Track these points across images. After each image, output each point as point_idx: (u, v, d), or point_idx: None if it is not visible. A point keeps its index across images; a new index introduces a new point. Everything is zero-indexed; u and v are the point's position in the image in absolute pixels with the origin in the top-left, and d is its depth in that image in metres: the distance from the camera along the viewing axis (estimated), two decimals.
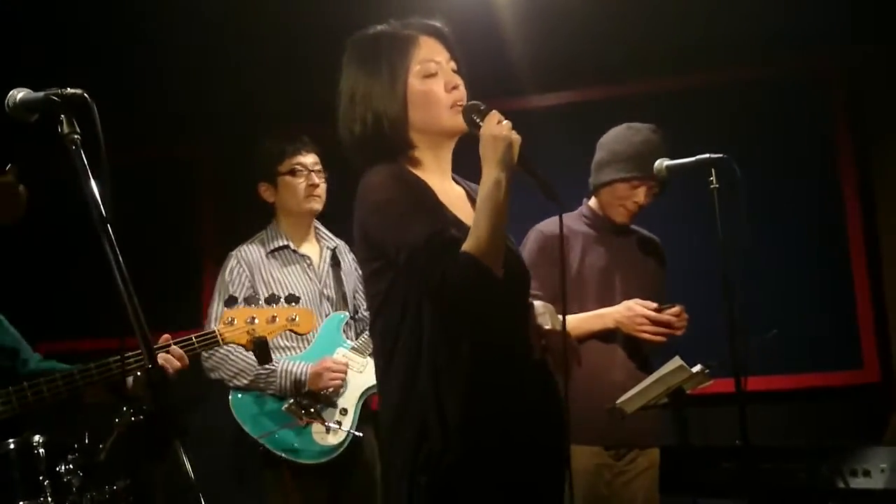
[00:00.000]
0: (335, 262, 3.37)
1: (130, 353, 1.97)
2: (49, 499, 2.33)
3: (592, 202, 3.18)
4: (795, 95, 4.19)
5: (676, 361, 2.74)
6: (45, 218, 4.26)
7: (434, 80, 2.04)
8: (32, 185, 2.28)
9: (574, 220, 3.14)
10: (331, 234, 3.43)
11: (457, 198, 2.08)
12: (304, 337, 3.18)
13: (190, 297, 4.47)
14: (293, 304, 2.64)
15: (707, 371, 2.81)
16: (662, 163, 3.00)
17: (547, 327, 2.09)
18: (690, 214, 3.71)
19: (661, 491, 3.09)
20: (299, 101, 4.41)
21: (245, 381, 3.12)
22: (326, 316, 3.27)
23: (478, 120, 1.95)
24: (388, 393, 1.99)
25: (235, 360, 3.12)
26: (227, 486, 4.12)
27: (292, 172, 3.28)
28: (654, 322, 2.94)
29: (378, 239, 1.96)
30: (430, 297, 1.91)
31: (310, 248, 3.36)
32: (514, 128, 1.92)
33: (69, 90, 1.72)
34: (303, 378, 3.09)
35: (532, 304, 2.12)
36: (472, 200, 2.05)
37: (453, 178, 2.15)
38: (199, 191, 4.70)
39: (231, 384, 3.15)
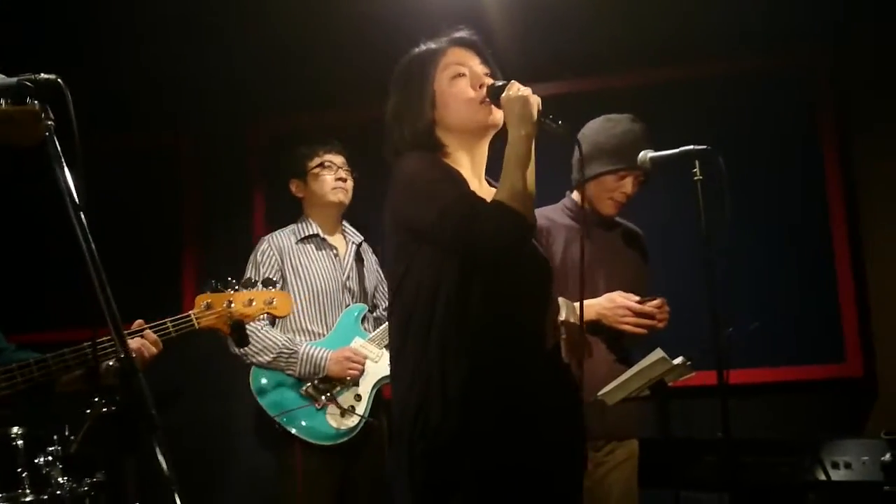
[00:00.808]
0: (359, 258, 3.55)
1: (104, 339, 1.94)
2: (27, 491, 2.31)
3: (576, 195, 3.16)
4: (779, 89, 4.18)
5: (658, 353, 2.74)
6: (13, 207, 4.24)
7: (461, 80, 2.15)
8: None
9: (557, 213, 3.13)
10: (356, 231, 3.61)
11: (486, 194, 2.10)
12: (325, 323, 3.38)
13: (170, 285, 4.45)
14: (270, 287, 2.65)
15: (689, 363, 2.80)
16: (647, 154, 2.98)
17: (561, 318, 2.16)
18: (674, 206, 3.71)
19: (643, 484, 3.08)
20: (286, 89, 4.39)
21: (267, 359, 3.27)
22: (347, 306, 3.44)
23: (500, 91, 2.07)
24: (401, 367, 2.07)
25: (260, 338, 3.27)
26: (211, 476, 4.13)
27: (321, 165, 3.49)
28: (636, 314, 2.94)
29: (407, 211, 2.05)
30: (461, 249, 1.97)
31: (337, 240, 3.55)
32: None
33: (42, 76, 1.70)
34: (323, 363, 3.26)
35: (552, 296, 2.18)
36: None
37: (487, 181, 2.23)
38: (181, 179, 4.65)
39: (253, 360, 3.29)
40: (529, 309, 2.09)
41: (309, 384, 3.27)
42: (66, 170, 1.63)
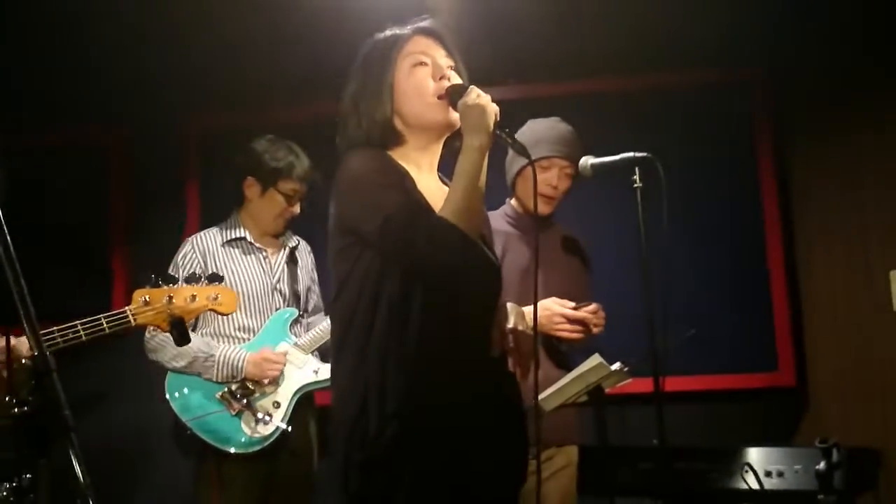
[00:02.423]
0: (292, 260, 3.40)
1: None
2: None
3: (513, 201, 3.15)
4: (718, 100, 4.23)
5: (596, 359, 2.73)
6: None
7: (420, 70, 2.07)
8: None
9: (496, 220, 3.11)
10: (292, 234, 3.46)
11: (438, 193, 2.05)
12: (250, 328, 3.23)
13: (99, 284, 4.32)
14: (215, 283, 2.55)
15: (626, 369, 2.80)
16: (588, 161, 3.02)
17: (509, 326, 2.09)
18: (614, 212, 3.72)
19: (579, 491, 3.07)
20: (223, 84, 4.29)
21: (182, 364, 3.14)
22: (276, 309, 3.29)
23: (459, 96, 2.00)
24: (338, 372, 2.01)
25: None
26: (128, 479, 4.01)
27: (286, 196, 3.31)
28: (570, 320, 2.93)
29: (350, 213, 1.98)
30: (403, 262, 1.92)
31: (267, 243, 3.38)
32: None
33: None
34: (240, 365, 3.13)
35: (503, 307, 2.12)
36: None
37: (440, 178, 2.16)
38: (112, 175, 4.53)
39: (169, 366, 3.16)
40: (475, 316, 2.03)
41: (225, 388, 3.13)
42: None
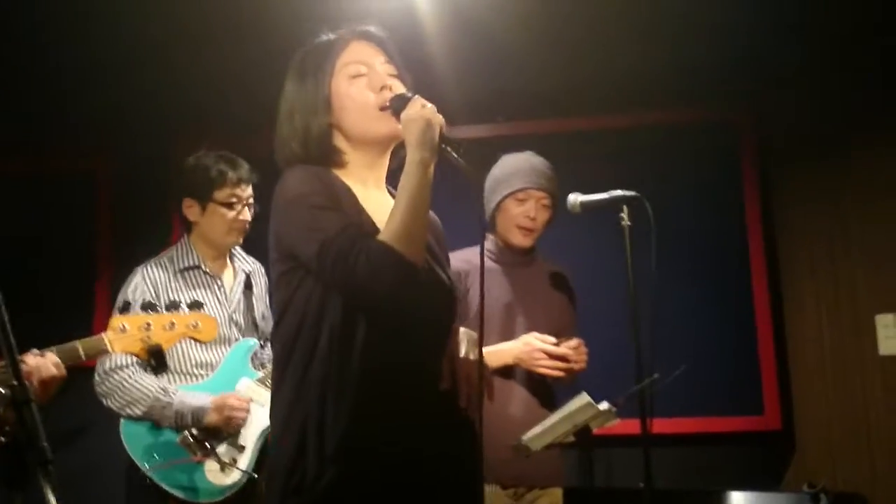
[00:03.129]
0: (248, 286, 3.20)
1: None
2: None
3: (494, 237, 3.15)
4: (705, 139, 4.25)
5: (584, 398, 2.70)
6: None
7: (360, 81, 1.95)
8: None
9: (476, 255, 3.09)
10: (246, 256, 3.26)
11: (383, 207, 1.91)
12: (208, 363, 3.02)
13: (83, 311, 4.25)
14: (195, 309, 2.48)
15: (614, 410, 2.77)
16: (577, 198, 3.02)
17: (461, 354, 1.96)
18: (601, 250, 3.72)
19: None
20: (209, 113, 4.27)
21: (139, 412, 2.90)
22: (235, 341, 3.09)
23: (402, 107, 1.87)
24: (276, 407, 1.87)
25: (129, 387, 2.91)
26: None
27: (227, 204, 3.08)
28: (551, 356, 2.90)
29: (289, 237, 1.85)
30: (340, 290, 1.79)
31: (222, 270, 3.18)
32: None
33: None
34: (200, 414, 2.88)
35: (452, 331, 1.97)
36: None
37: (389, 191, 2.02)
38: (96, 203, 4.49)
39: (123, 413, 2.92)
40: (424, 344, 1.87)
41: (186, 433, 2.88)
42: None
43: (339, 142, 1.96)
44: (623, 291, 2.87)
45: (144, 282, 3.02)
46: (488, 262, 3.09)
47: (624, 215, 2.90)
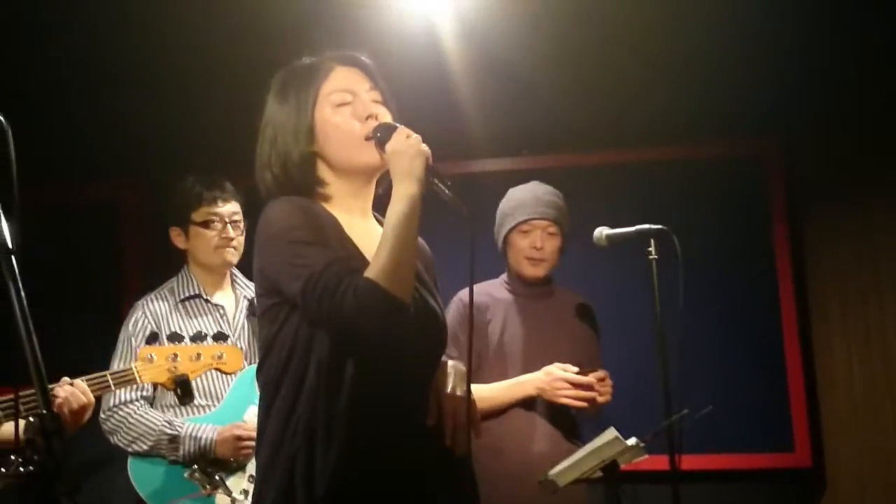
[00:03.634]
0: (251, 312, 3.09)
1: (26, 393, 1.83)
2: None
3: (508, 269, 3.14)
4: (733, 174, 4.24)
5: (612, 433, 2.67)
6: None
7: (346, 110, 1.87)
8: None
9: (496, 288, 3.10)
10: (248, 282, 3.17)
11: (373, 237, 1.84)
12: (214, 394, 2.96)
13: (107, 342, 4.26)
14: (221, 341, 2.50)
15: (642, 445, 2.73)
16: (602, 231, 3.02)
17: (446, 391, 1.86)
18: (628, 284, 3.70)
19: None
20: (228, 144, 4.30)
21: (146, 447, 2.86)
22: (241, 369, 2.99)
23: (386, 138, 1.81)
24: (262, 446, 1.80)
25: (135, 422, 2.88)
26: None
27: (205, 224, 3.04)
28: (574, 386, 2.86)
29: (274, 272, 1.78)
30: (328, 327, 1.72)
31: (224, 298, 3.12)
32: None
33: None
34: (209, 445, 2.83)
35: (444, 365, 1.91)
36: None
37: (376, 219, 1.96)
38: (122, 233, 4.54)
39: (130, 449, 2.89)
40: (413, 379, 1.81)
41: (196, 467, 2.84)
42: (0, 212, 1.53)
43: (322, 171, 1.90)
44: (650, 325, 2.85)
45: (145, 315, 2.99)
46: (506, 295, 3.08)
47: (651, 249, 2.89)
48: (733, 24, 3.68)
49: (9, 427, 2.27)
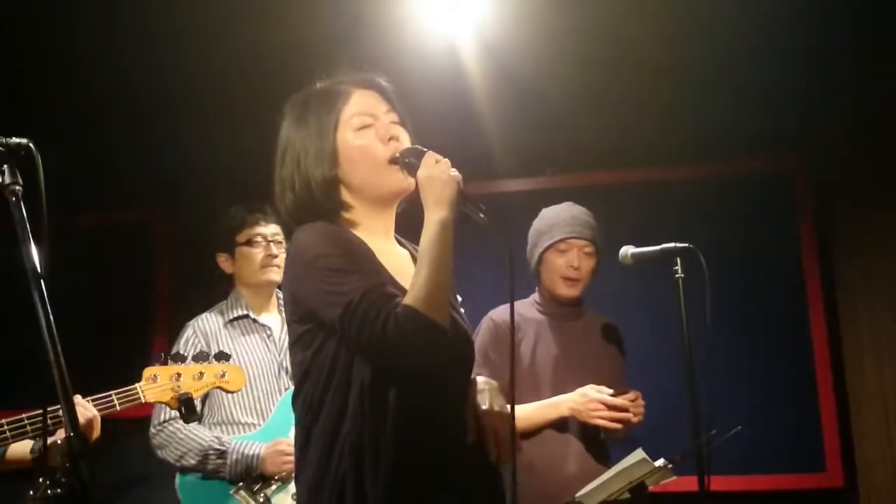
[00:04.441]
0: None
1: (51, 409, 1.84)
2: None
3: (541, 289, 3.13)
4: (760, 190, 4.21)
5: (639, 454, 2.64)
6: None
7: (369, 133, 1.89)
8: None
9: (527, 308, 3.09)
10: None
11: (399, 260, 1.91)
12: (260, 413, 3.05)
13: (135, 364, 4.30)
14: (223, 360, 2.53)
15: (670, 466, 2.70)
16: (628, 250, 3.01)
17: (484, 407, 1.89)
18: (654, 303, 3.68)
19: None
20: (259, 172, 4.34)
21: (193, 462, 2.93)
22: (286, 389, 3.08)
23: (415, 163, 1.82)
24: (305, 471, 1.80)
25: (184, 438, 2.96)
26: None
27: (249, 243, 3.19)
28: (609, 407, 2.84)
29: (308, 299, 1.79)
30: (368, 355, 1.74)
31: (270, 318, 3.22)
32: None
33: (14, 139, 1.64)
34: (255, 462, 2.90)
35: (474, 381, 1.94)
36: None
37: (397, 240, 1.99)
38: (153, 256, 4.58)
39: (178, 464, 2.97)
40: (451, 398, 1.83)
41: (241, 485, 2.90)
42: (29, 237, 1.55)
43: (345, 195, 1.90)
44: (675, 344, 2.83)
45: (196, 334, 3.10)
46: (537, 315, 3.07)
47: (678, 267, 2.87)
48: (758, 41, 3.67)
49: (20, 447, 2.30)
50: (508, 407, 1.91)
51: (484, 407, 1.89)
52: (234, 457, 2.90)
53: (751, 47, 3.70)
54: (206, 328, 3.13)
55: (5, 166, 1.60)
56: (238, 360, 3.02)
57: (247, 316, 3.18)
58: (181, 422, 2.93)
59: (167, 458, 2.98)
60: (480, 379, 1.95)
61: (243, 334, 3.14)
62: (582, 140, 4.22)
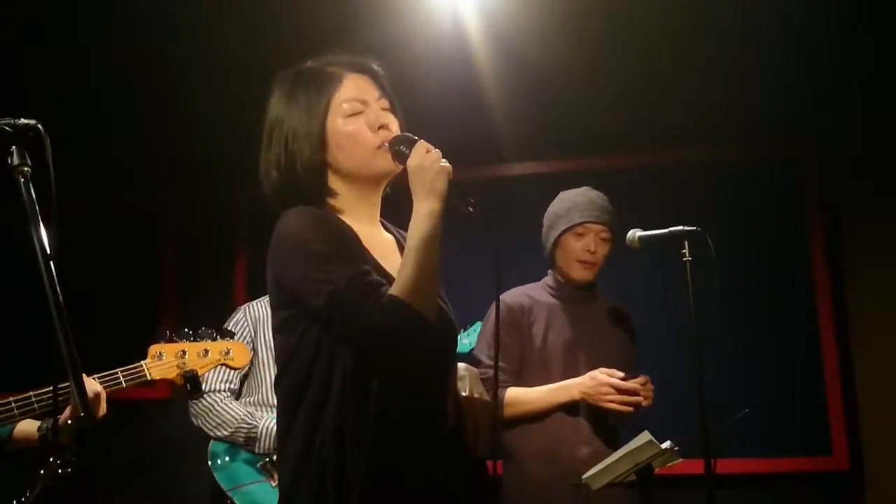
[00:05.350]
0: None
1: (63, 385, 1.84)
2: None
3: (555, 273, 3.13)
4: (768, 174, 4.20)
5: (645, 436, 2.64)
6: None
7: (359, 120, 1.86)
8: None
9: (538, 291, 3.09)
10: None
11: (384, 245, 1.91)
12: None
13: (143, 347, 4.32)
14: (227, 338, 2.55)
15: (676, 448, 2.71)
16: (635, 233, 3.00)
17: (464, 394, 1.89)
18: (662, 286, 3.68)
19: None
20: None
21: (225, 433, 3.14)
22: None
23: (406, 151, 1.80)
24: (287, 456, 1.79)
25: (219, 411, 3.15)
26: None
27: None
28: (619, 391, 2.85)
29: (293, 285, 1.77)
30: (352, 344, 1.73)
31: None
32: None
33: (22, 120, 1.64)
34: None
35: (456, 368, 1.94)
36: (403, 248, 1.85)
37: (383, 224, 1.98)
38: (161, 243, 4.59)
39: (212, 434, 3.16)
40: (434, 385, 1.83)
41: (266, 459, 3.12)
42: (38, 217, 1.56)
43: (332, 180, 1.89)
44: (682, 327, 2.82)
45: (245, 318, 3.30)
46: (549, 298, 3.07)
47: (685, 251, 2.86)
48: (768, 26, 3.65)
49: (27, 426, 2.32)
50: (486, 394, 1.91)
51: (464, 394, 1.89)
52: (263, 431, 3.09)
53: (760, 32, 3.68)
54: (255, 314, 3.30)
55: (14, 147, 1.61)
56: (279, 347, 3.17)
57: None
58: (218, 395, 3.15)
59: (202, 427, 3.16)
60: (461, 365, 1.95)
61: None
62: (589, 123, 4.20)
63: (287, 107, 1.89)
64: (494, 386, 1.88)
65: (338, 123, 1.86)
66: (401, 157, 1.82)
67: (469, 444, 1.86)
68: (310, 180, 1.86)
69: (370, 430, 1.72)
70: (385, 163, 1.85)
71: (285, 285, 1.79)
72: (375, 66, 1.94)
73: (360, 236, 1.84)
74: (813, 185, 4.17)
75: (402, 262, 1.75)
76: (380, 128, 1.87)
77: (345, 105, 1.87)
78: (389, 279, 1.76)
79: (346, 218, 1.87)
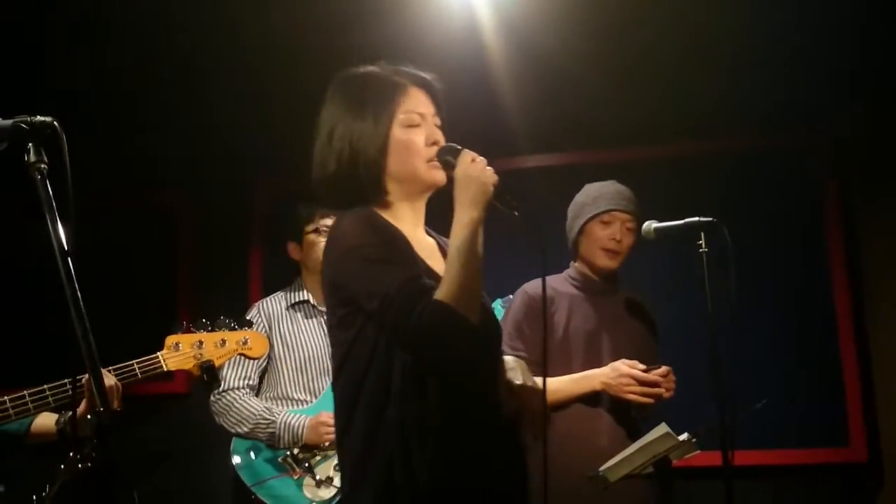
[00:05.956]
0: None
1: (81, 378, 1.85)
2: None
3: (578, 263, 3.12)
4: (784, 165, 4.17)
5: (663, 428, 2.64)
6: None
7: (416, 132, 1.98)
8: None
9: (560, 282, 3.09)
10: None
11: (429, 249, 2.02)
12: (312, 391, 3.29)
13: (159, 342, 4.34)
14: (245, 327, 2.55)
15: (694, 440, 2.70)
16: (651, 225, 3.00)
17: (518, 382, 2.00)
18: (679, 277, 3.66)
19: None
20: (288, 150, 4.35)
21: (245, 430, 3.20)
22: None
23: (452, 161, 1.92)
24: (349, 448, 1.89)
25: (240, 407, 3.22)
26: None
27: (316, 231, 3.39)
28: (641, 383, 2.84)
29: (349, 286, 1.88)
30: (402, 346, 1.83)
31: None
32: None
33: (38, 118, 1.65)
34: (301, 432, 3.16)
35: (502, 360, 2.04)
36: (444, 253, 1.97)
37: (427, 232, 2.09)
38: (178, 240, 4.60)
39: (233, 431, 3.24)
40: (487, 378, 1.94)
41: (287, 453, 3.19)
42: (55, 214, 1.56)
43: (388, 183, 1.99)
44: (698, 319, 2.81)
45: (259, 314, 3.38)
46: (571, 289, 3.07)
47: (702, 242, 2.86)
48: (782, 17, 3.62)
49: (46, 419, 2.32)
50: (539, 382, 1.99)
51: (518, 382, 1.99)
52: (282, 426, 3.17)
53: (774, 22, 3.65)
54: (269, 310, 3.39)
55: (31, 145, 1.62)
56: (296, 342, 3.34)
57: (307, 301, 3.42)
58: (238, 392, 3.23)
59: (223, 425, 3.24)
60: (509, 358, 2.05)
61: (303, 318, 3.40)
62: (603, 116, 4.18)
63: (354, 109, 1.98)
64: (544, 374, 1.96)
65: (397, 132, 1.97)
66: (448, 167, 1.93)
67: (527, 433, 1.98)
68: (368, 178, 1.95)
69: (432, 424, 1.81)
70: (433, 176, 1.97)
71: (340, 285, 1.90)
72: (437, 85, 2.06)
73: (411, 240, 1.95)
74: (829, 174, 4.13)
75: (445, 268, 1.85)
76: (433, 143, 1.98)
77: (406, 116, 1.98)
78: (438, 280, 1.85)
79: (394, 219, 1.98)
